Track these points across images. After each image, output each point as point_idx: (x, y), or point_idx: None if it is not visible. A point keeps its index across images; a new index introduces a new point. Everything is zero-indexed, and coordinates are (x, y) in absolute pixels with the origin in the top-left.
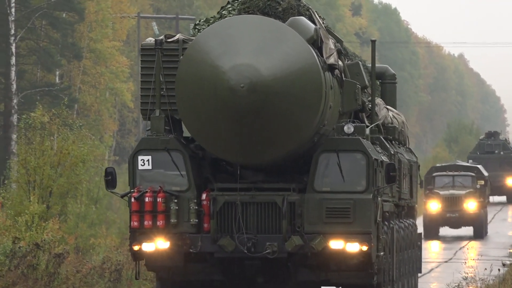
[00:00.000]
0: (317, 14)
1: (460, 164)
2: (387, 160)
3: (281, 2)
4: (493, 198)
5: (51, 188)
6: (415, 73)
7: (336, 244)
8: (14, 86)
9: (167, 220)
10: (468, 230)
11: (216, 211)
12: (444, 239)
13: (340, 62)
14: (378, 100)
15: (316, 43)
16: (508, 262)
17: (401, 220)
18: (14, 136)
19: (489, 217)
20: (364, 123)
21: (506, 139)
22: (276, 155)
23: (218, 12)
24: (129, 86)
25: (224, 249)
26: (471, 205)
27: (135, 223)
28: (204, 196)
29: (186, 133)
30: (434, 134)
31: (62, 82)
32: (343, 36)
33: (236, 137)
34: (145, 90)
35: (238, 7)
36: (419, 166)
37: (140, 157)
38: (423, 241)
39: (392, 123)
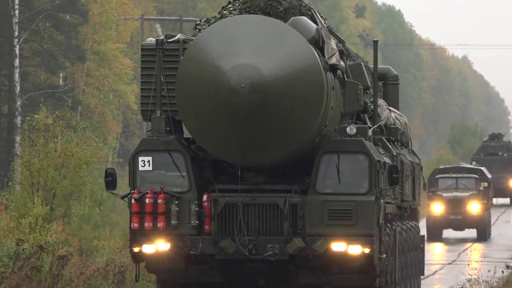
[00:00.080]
0: (319, 14)
1: (464, 166)
2: (390, 162)
3: (282, 2)
4: (497, 200)
5: (55, 190)
6: (419, 75)
7: (338, 246)
8: (18, 88)
9: (168, 221)
10: (471, 232)
11: (217, 213)
12: (447, 241)
13: (342, 63)
14: (381, 101)
15: (317, 43)
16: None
17: (403, 222)
18: (18, 138)
19: (493, 219)
20: (366, 124)
21: (509, 141)
22: (277, 156)
23: (219, 12)
24: (132, 88)
25: (225, 251)
26: (474, 207)
27: (136, 225)
28: (205, 197)
29: (187, 134)
30: (438, 136)
31: (65, 84)
32: (346, 38)
33: (237, 138)
34: (146, 90)
35: (239, 7)
36: (422, 167)
37: (140, 158)
38: (426, 243)
39: (394, 124)
